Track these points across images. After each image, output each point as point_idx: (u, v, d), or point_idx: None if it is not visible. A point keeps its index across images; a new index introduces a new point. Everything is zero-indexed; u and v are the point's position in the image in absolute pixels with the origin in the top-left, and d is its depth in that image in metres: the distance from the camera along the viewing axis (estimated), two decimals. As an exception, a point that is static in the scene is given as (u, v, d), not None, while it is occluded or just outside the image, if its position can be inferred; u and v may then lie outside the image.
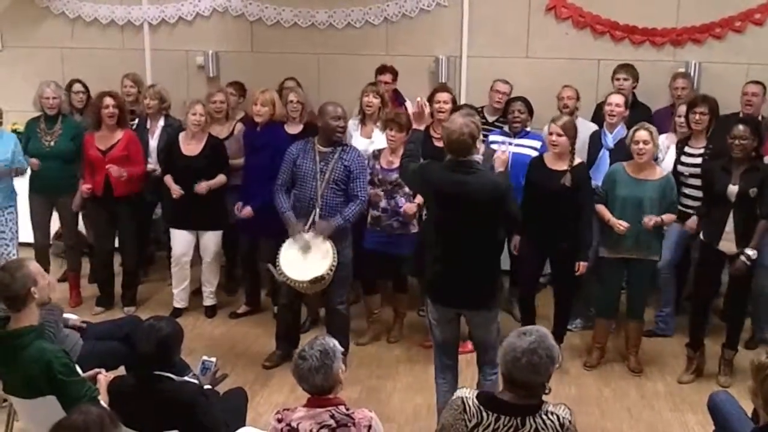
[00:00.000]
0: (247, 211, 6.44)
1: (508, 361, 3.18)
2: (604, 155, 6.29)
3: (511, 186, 4.78)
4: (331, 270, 5.45)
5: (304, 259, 5.50)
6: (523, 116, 6.37)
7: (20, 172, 6.62)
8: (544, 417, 3.18)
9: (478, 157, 4.76)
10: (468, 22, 7.70)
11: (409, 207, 5.99)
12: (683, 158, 6.13)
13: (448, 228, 4.59)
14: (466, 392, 3.33)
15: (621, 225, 5.64)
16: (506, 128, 6.51)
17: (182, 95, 6.80)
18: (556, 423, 3.18)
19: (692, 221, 6.03)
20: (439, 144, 6.18)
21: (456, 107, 6.20)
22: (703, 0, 7.34)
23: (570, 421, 3.21)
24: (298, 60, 7.90)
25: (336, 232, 5.56)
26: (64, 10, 8.31)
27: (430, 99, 6.56)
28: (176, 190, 6.50)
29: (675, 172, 6.06)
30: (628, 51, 7.48)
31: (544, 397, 3.28)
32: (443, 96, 6.45)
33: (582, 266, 5.80)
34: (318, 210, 5.57)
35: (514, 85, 7.01)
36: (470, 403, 3.25)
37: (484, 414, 3.21)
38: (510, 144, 6.22)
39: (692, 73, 7.32)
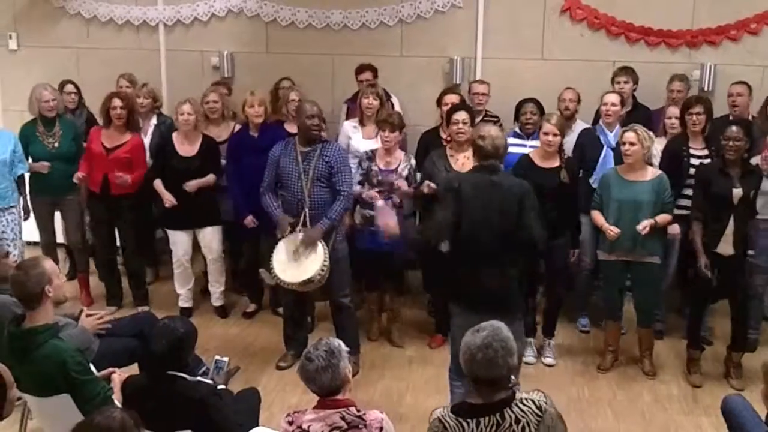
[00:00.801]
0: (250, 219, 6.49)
1: (467, 360, 3.24)
2: (609, 154, 6.27)
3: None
4: (322, 271, 5.45)
5: (296, 261, 5.51)
6: (535, 117, 6.39)
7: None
8: (521, 405, 3.23)
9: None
10: (483, 24, 7.69)
11: (402, 183, 6.03)
12: (693, 161, 6.08)
13: (485, 233, 4.57)
14: (441, 411, 3.35)
15: (612, 231, 5.66)
16: (517, 129, 6.50)
17: (197, 96, 6.82)
18: (534, 407, 3.23)
19: (674, 228, 6.01)
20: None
21: (457, 107, 6.21)
22: (719, 2, 7.31)
23: (546, 402, 3.25)
24: (312, 61, 7.91)
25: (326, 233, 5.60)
26: (80, 11, 8.34)
27: (439, 101, 6.62)
28: (168, 199, 6.48)
29: (688, 175, 6.03)
30: (643, 53, 7.46)
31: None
32: (452, 98, 6.54)
33: (577, 252, 5.98)
34: (307, 210, 5.58)
35: (528, 86, 7.00)
36: (448, 420, 3.27)
37: (464, 423, 3.23)
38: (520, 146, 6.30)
39: (707, 76, 7.30)
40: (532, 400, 3.25)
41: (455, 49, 7.79)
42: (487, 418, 3.21)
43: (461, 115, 5.92)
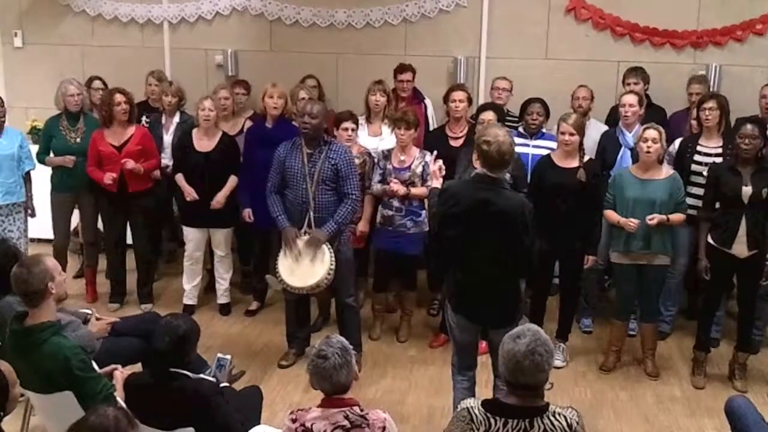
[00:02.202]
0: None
1: (511, 367, 3.19)
2: (626, 154, 6.28)
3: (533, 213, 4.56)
4: (329, 275, 5.46)
5: (302, 265, 5.52)
6: (541, 118, 6.39)
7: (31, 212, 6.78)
8: (552, 418, 3.19)
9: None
10: (487, 23, 7.69)
11: (396, 185, 6.01)
12: (697, 157, 6.08)
13: (472, 246, 4.49)
14: (471, 402, 3.34)
15: (631, 222, 5.61)
16: (521, 129, 6.48)
17: (201, 94, 6.81)
18: (564, 424, 3.19)
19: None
20: (455, 144, 6.26)
21: (484, 106, 6.25)
22: (725, 3, 7.30)
23: (577, 422, 3.22)
24: (317, 59, 7.90)
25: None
26: (85, 8, 8.35)
27: (446, 98, 6.61)
28: (190, 193, 6.50)
29: (690, 171, 6.04)
30: (648, 53, 7.45)
31: (550, 398, 3.30)
32: (459, 95, 6.50)
33: (591, 260, 5.90)
34: (312, 212, 5.57)
35: (533, 86, 6.98)
36: (476, 412, 3.25)
37: (492, 420, 3.22)
38: (527, 144, 6.28)
39: (713, 76, 7.29)
40: (565, 416, 3.21)
41: (459, 48, 7.79)
42: (515, 421, 3.19)
43: (488, 115, 5.94)
